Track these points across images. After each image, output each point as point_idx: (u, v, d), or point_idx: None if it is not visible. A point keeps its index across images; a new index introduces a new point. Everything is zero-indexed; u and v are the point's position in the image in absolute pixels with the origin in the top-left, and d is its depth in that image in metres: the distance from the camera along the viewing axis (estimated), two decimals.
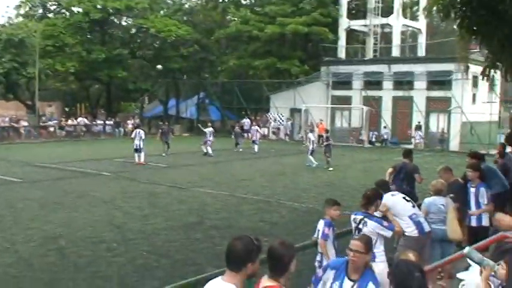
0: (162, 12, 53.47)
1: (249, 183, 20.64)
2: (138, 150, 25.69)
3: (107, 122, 48.44)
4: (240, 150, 33.76)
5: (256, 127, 36.08)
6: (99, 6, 48.10)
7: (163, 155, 29.29)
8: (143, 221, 13.73)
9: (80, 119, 47.86)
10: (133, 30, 54.42)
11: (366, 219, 7.25)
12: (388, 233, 7.27)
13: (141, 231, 12.65)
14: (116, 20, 54.35)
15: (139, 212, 14.79)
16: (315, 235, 7.93)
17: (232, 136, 35.84)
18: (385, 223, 7.37)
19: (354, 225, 7.40)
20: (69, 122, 46.43)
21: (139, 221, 13.66)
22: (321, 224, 7.79)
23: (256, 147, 33.29)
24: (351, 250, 5.38)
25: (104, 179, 21.05)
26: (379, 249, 7.07)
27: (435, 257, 7.99)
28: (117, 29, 55.66)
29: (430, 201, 8.99)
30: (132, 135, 26.96)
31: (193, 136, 47.17)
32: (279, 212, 15.18)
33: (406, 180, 11.97)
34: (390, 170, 12.48)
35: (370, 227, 7.13)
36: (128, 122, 49.80)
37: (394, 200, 8.50)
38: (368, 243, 5.53)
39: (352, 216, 7.48)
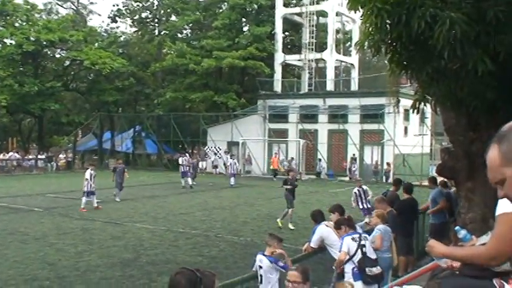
0: (96, 44, 52.77)
1: (187, 217, 20.42)
2: (92, 193, 22.39)
3: (39, 157, 47.16)
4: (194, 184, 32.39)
5: (235, 160, 35.82)
6: (32, 38, 47.10)
7: (117, 200, 24.81)
8: (77, 258, 13.35)
9: (11, 153, 46.51)
10: (67, 63, 53.46)
11: (363, 234, 8.22)
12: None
13: (75, 268, 12.29)
14: (49, 52, 53.34)
15: (73, 249, 14.36)
16: (254, 268, 7.88)
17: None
18: None
19: (354, 244, 7.87)
20: (0, 156, 44.92)
21: (73, 258, 13.28)
22: (266, 263, 7.43)
23: (232, 180, 33.00)
24: (289, 281, 5.39)
25: (36, 215, 20.38)
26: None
27: None
28: (51, 61, 54.69)
29: (385, 228, 9.11)
30: (87, 176, 22.25)
31: (129, 170, 46.47)
32: (218, 246, 15.07)
33: None
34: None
35: (370, 239, 8.35)
36: (61, 156, 48.71)
37: (328, 230, 8.80)
38: (305, 273, 5.56)
39: (349, 238, 7.95)
